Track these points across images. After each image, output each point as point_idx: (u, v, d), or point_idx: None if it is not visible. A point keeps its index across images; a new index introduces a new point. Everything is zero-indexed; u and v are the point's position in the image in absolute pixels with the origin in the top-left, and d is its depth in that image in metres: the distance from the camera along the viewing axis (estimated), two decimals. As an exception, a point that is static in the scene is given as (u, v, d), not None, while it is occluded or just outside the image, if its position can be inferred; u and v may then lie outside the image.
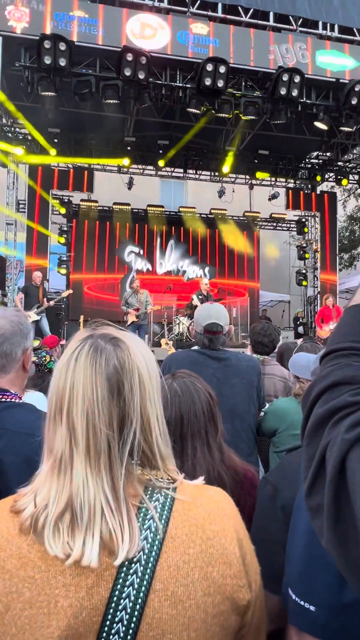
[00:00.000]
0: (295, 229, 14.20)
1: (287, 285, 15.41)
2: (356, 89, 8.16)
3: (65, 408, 0.74)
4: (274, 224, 14.29)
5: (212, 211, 13.45)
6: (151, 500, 0.74)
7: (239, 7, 8.08)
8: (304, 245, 13.53)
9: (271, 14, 8.21)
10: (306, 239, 13.69)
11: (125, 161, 11.39)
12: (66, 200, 12.51)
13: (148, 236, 13.29)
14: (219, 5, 8.01)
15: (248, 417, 2.14)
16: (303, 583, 0.83)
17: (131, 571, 0.68)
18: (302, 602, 0.82)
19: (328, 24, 8.44)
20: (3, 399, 1.26)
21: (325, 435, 0.50)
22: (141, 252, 13.34)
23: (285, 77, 7.88)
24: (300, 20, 8.32)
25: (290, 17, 8.29)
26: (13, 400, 1.28)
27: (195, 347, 2.32)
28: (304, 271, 13.43)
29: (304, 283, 13.28)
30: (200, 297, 9.18)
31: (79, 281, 12.59)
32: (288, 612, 0.86)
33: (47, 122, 9.78)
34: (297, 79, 7.91)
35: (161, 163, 11.62)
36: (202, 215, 13.43)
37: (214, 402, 1.37)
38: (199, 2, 7.93)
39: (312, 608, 0.80)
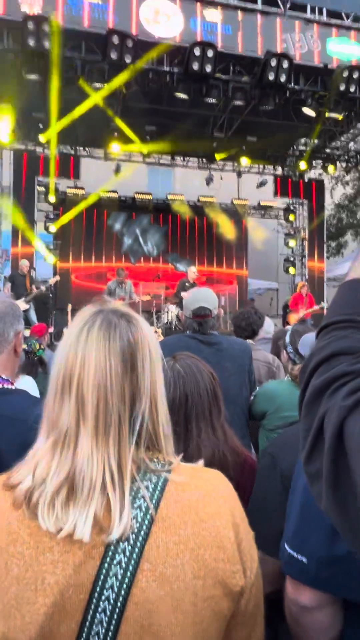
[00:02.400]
0: (283, 217, 14.22)
1: (275, 273, 15.47)
2: (344, 75, 8.14)
3: (75, 381, 0.72)
4: (262, 212, 14.28)
5: (200, 199, 13.39)
6: (144, 480, 0.73)
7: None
8: (292, 233, 13.57)
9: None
10: (294, 226, 13.73)
11: (116, 147, 11.18)
12: (53, 188, 12.33)
13: (136, 224, 13.20)
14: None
15: (240, 400, 2.16)
16: (297, 537, 0.90)
17: (119, 550, 0.67)
18: (295, 554, 0.89)
19: (316, 7, 8.37)
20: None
21: (323, 404, 0.51)
22: (129, 240, 13.26)
23: (273, 63, 7.82)
24: (289, 3, 8.23)
25: (279, 1, 8.20)
26: (6, 386, 1.27)
27: (186, 333, 2.33)
28: (291, 259, 13.49)
29: (292, 271, 13.34)
30: (187, 284, 9.19)
31: (67, 270, 12.48)
32: (283, 563, 0.93)
33: (32, 107, 9.59)
34: (285, 64, 7.86)
35: (146, 149, 11.46)
36: (190, 203, 13.36)
37: (217, 383, 1.38)
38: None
39: (304, 560, 0.88)
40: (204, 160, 12.55)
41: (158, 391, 0.77)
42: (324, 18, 8.38)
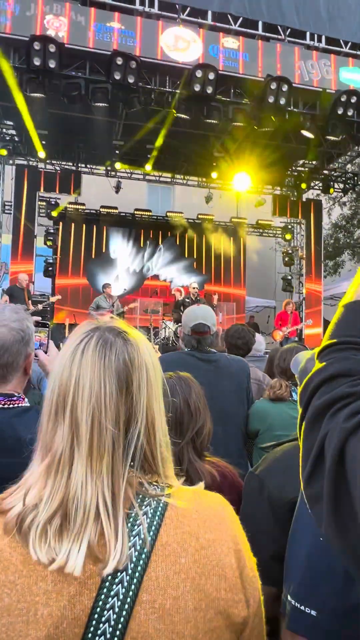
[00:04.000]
0: (281, 236, 14.36)
1: (272, 291, 15.55)
2: (342, 99, 8.32)
3: (69, 404, 0.69)
4: (260, 231, 14.43)
5: (199, 216, 13.53)
6: (142, 506, 0.69)
7: (229, 16, 8.19)
8: (290, 251, 13.69)
9: (260, 23, 8.33)
10: (292, 245, 13.85)
11: (117, 165, 11.35)
12: (53, 203, 12.45)
13: (135, 240, 13.30)
14: (209, 13, 8.10)
15: (237, 419, 2.15)
16: (304, 588, 0.83)
17: (116, 580, 0.63)
18: (302, 607, 0.82)
19: (315, 35, 8.60)
20: (12, 405, 1.25)
21: (324, 425, 0.51)
22: (128, 256, 13.33)
23: (273, 86, 7.99)
24: (289, 30, 8.46)
25: (279, 27, 8.42)
26: (20, 405, 1.27)
27: (186, 349, 2.33)
28: (289, 278, 13.58)
29: (290, 289, 13.43)
30: (187, 300, 9.22)
31: (65, 285, 12.51)
32: (286, 618, 0.85)
33: (35, 124, 9.74)
34: (284, 87, 8.04)
35: (149, 167, 11.64)
36: (190, 220, 13.50)
37: (190, 413, 1.33)
38: (189, 9, 8.00)
39: (313, 612, 0.80)
40: (204, 178, 12.72)
41: (156, 412, 0.74)
42: (323, 44, 8.60)
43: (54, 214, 12.14)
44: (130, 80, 7.53)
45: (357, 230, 17.91)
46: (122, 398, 0.70)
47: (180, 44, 7.85)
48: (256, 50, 8.26)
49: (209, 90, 7.78)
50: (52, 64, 7.22)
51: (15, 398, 1.27)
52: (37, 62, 7.16)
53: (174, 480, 0.76)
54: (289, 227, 13.79)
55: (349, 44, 8.73)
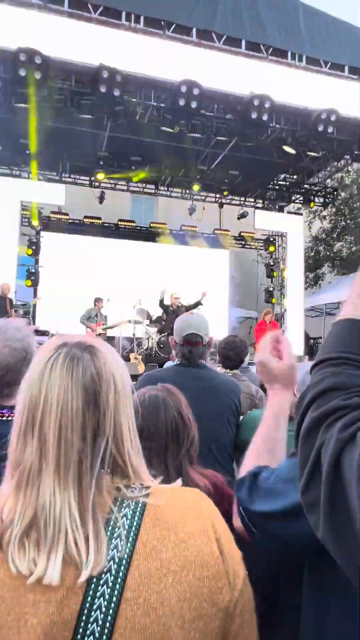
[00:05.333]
0: (263, 248, 14.57)
1: (254, 302, 15.71)
2: (322, 117, 8.57)
3: (37, 421, 0.71)
4: (243, 243, 14.61)
5: (182, 228, 13.64)
6: (121, 508, 0.72)
7: (213, 33, 8.38)
8: (272, 263, 13.89)
9: (243, 42, 8.55)
10: (273, 257, 14.07)
11: (100, 176, 11.43)
12: (36, 212, 12.39)
13: (119, 250, 13.30)
14: (194, 30, 8.28)
15: (224, 440, 2.10)
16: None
17: (101, 582, 0.66)
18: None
19: (297, 54, 8.85)
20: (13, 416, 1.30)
21: (320, 436, 0.55)
22: (112, 266, 13.32)
23: (256, 102, 8.19)
24: (271, 49, 8.69)
25: (262, 46, 8.65)
26: None
27: (173, 363, 2.30)
28: (271, 289, 13.76)
29: (273, 300, 13.59)
30: (171, 309, 9.26)
31: (47, 294, 12.40)
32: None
33: (20, 134, 9.73)
34: (267, 104, 8.24)
35: (137, 178, 11.74)
36: (173, 232, 13.59)
37: (185, 423, 1.34)
38: (174, 25, 8.16)
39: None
40: (187, 190, 12.86)
41: (123, 422, 0.76)
42: (303, 64, 8.86)
43: (35, 222, 12.09)
44: (116, 93, 7.62)
45: (337, 243, 18.30)
46: (90, 412, 0.72)
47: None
48: (240, 68, 8.46)
49: (193, 105, 7.92)
50: (37, 75, 7.26)
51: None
52: (22, 73, 7.19)
53: (151, 482, 0.78)
54: (271, 239, 14.01)
55: (329, 63, 9.01)
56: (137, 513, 0.72)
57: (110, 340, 10.50)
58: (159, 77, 8.02)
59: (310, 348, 12.92)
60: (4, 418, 1.30)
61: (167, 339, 9.43)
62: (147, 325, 10.48)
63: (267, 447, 1.06)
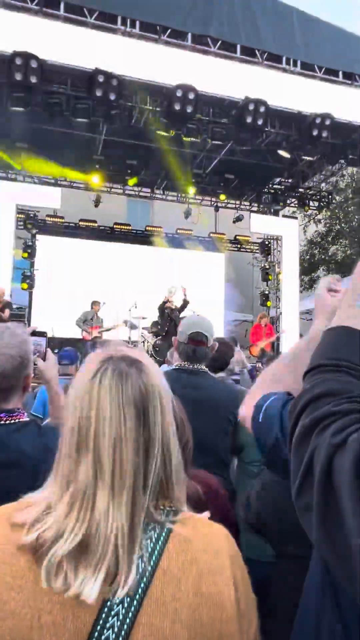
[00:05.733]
0: (258, 251, 14.62)
1: (250, 305, 15.75)
2: (317, 121, 8.63)
3: (91, 438, 0.71)
4: (238, 246, 14.66)
5: (178, 231, 13.66)
6: (147, 531, 0.71)
7: (208, 38, 8.43)
8: (267, 267, 13.94)
9: (238, 47, 8.60)
10: (269, 261, 14.12)
11: (95, 179, 11.44)
12: (32, 215, 12.39)
13: (114, 254, 13.30)
14: (189, 35, 8.33)
15: (220, 450, 2.07)
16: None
17: (117, 601, 0.66)
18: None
19: (291, 60, 8.92)
20: (13, 420, 1.32)
21: (312, 441, 0.56)
22: (108, 269, 13.33)
23: (251, 107, 8.24)
24: (266, 54, 8.75)
25: (257, 51, 8.71)
26: (20, 419, 1.34)
27: (172, 366, 2.26)
28: (266, 292, 13.81)
29: (268, 304, 13.64)
30: (166, 312, 9.26)
31: (43, 297, 12.39)
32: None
33: (15, 137, 9.74)
34: (262, 108, 8.29)
35: (131, 182, 11.76)
36: (169, 235, 13.61)
37: (179, 425, 1.36)
38: (169, 30, 8.21)
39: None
40: (183, 194, 12.90)
41: (170, 439, 0.76)
42: (298, 69, 8.93)
43: (28, 226, 12.08)
44: (112, 97, 7.64)
45: (332, 247, 18.39)
46: (141, 428, 0.72)
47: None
48: (236, 73, 8.52)
49: (189, 109, 7.96)
50: (33, 79, 7.27)
51: (16, 413, 1.34)
52: (18, 77, 7.21)
53: (182, 504, 0.77)
54: (266, 242, 14.07)
55: (323, 69, 9.09)
56: (162, 539, 0.71)
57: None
58: (154, 81, 8.05)
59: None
60: (3, 422, 1.31)
61: (162, 342, 9.43)
62: (142, 328, 10.48)
63: (290, 359, 1.12)
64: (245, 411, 1.06)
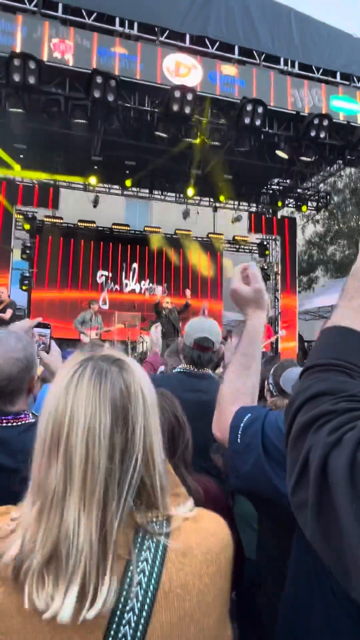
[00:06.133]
0: (257, 252, 14.64)
1: (248, 305, 15.78)
2: (315, 122, 8.65)
3: (63, 440, 0.66)
4: (237, 246, 14.69)
5: (176, 232, 13.68)
6: (142, 550, 0.67)
7: (206, 39, 8.44)
8: (266, 267, 13.96)
9: (236, 48, 8.62)
10: (267, 261, 14.14)
11: (93, 180, 11.47)
12: (30, 216, 12.39)
13: (113, 255, 13.32)
14: (187, 36, 8.33)
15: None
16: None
17: (120, 635, 0.62)
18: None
19: (289, 60, 8.94)
20: (19, 422, 1.35)
21: (308, 439, 0.57)
22: (107, 271, 13.35)
23: (249, 107, 8.25)
24: (264, 55, 8.77)
25: (254, 52, 8.72)
26: (26, 421, 1.36)
27: (177, 368, 2.24)
28: (265, 292, 13.82)
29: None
30: (164, 312, 9.26)
31: (42, 298, 12.40)
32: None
33: (13, 138, 9.74)
34: (260, 109, 8.31)
35: (128, 183, 11.78)
36: (167, 236, 13.63)
37: (180, 425, 1.37)
38: (168, 31, 8.22)
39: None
40: (181, 195, 12.92)
41: (154, 442, 0.72)
42: (296, 70, 8.94)
43: (26, 227, 12.09)
44: (110, 98, 7.65)
45: (330, 247, 18.42)
46: (118, 429, 0.67)
47: (182, 70, 8.14)
48: (251, 77, 8.56)
49: (187, 110, 7.97)
50: (31, 80, 7.28)
51: (22, 415, 1.36)
52: (16, 78, 7.21)
53: (172, 508, 0.74)
54: (264, 243, 14.09)
55: (321, 69, 9.11)
56: (159, 557, 0.67)
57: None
58: (152, 82, 8.07)
59: (304, 351, 12.99)
60: (9, 424, 1.33)
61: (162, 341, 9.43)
62: (141, 329, 10.49)
63: (242, 362, 1.13)
64: (219, 432, 1.06)
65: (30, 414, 1.39)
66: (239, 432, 0.95)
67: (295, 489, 0.57)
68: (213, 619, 0.68)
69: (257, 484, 0.94)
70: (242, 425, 0.96)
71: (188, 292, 9.76)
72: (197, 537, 0.72)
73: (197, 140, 8.99)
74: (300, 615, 0.81)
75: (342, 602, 0.70)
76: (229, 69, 8.49)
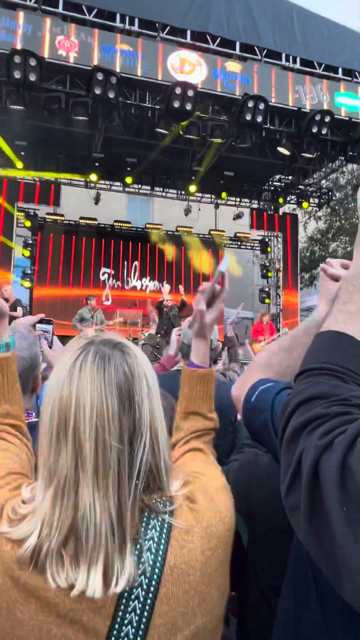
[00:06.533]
0: (258, 248, 14.63)
1: (250, 302, 15.77)
2: (316, 118, 8.62)
3: (71, 425, 0.66)
4: (238, 243, 14.67)
5: (178, 229, 13.67)
6: (148, 529, 0.69)
7: (207, 35, 8.41)
8: (267, 264, 13.95)
9: (237, 44, 8.58)
10: (269, 258, 14.12)
11: (93, 177, 11.47)
12: (32, 214, 12.40)
13: (114, 252, 13.32)
14: (188, 32, 8.30)
15: (219, 450, 2.10)
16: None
17: (129, 609, 0.65)
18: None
19: (291, 56, 8.90)
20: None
21: (301, 442, 0.58)
22: (109, 268, 13.36)
23: (250, 104, 8.23)
24: (265, 51, 8.73)
25: (256, 48, 8.69)
26: (29, 420, 1.37)
27: (177, 367, 2.25)
28: (267, 289, 13.82)
29: (267, 301, 13.65)
30: (165, 310, 9.27)
31: (44, 295, 12.42)
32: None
33: (14, 135, 9.73)
34: (261, 106, 8.28)
35: (129, 180, 11.77)
36: (169, 233, 13.62)
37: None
38: (168, 27, 8.18)
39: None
40: (183, 191, 12.90)
41: (158, 422, 0.72)
42: (297, 66, 8.90)
43: (27, 224, 12.09)
44: (111, 95, 7.63)
45: (332, 244, 18.37)
46: (125, 412, 0.68)
47: (187, 67, 8.13)
48: (252, 73, 8.53)
49: (188, 106, 7.95)
50: (32, 77, 7.26)
51: (27, 414, 1.36)
52: (17, 75, 7.20)
53: (173, 488, 0.75)
54: (266, 240, 14.07)
55: (322, 65, 9.06)
56: (164, 536, 0.69)
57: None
58: (153, 79, 8.04)
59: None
60: None
61: (161, 339, 9.44)
62: (142, 326, 10.51)
63: (289, 344, 1.14)
64: (238, 392, 1.08)
65: (34, 413, 1.40)
66: (256, 392, 0.98)
67: (288, 492, 0.58)
68: (214, 587, 0.71)
69: (264, 442, 0.98)
70: (261, 387, 0.99)
71: (182, 288, 9.74)
72: (197, 513, 0.74)
73: (198, 137, 8.96)
74: (297, 611, 0.82)
75: (337, 601, 0.71)
76: (233, 66, 8.46)
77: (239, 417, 2.58)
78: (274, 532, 1.15)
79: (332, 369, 0.64)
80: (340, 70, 9.21)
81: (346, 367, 0.64)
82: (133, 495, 0.68)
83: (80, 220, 12.86)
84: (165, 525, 0.70)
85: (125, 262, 13.41)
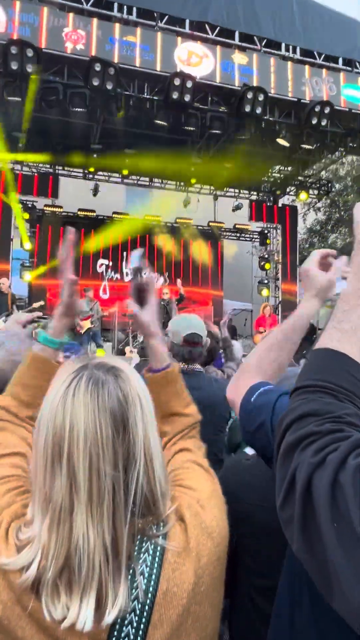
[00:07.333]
0: (258, 240, 14.60)
1: (249, 294, 15.77)
2: (316, 110, 8.56)
3: (65, 452, 0.66)
4: (238, 235, 14.64)
5: (177, 220, 13.62)
6: (141, 552, 0.69)
7: (206, 25, 8.31)
8: (266, 256, 13.93)
9: (237, 33, 8.49)
10: (268, 250, 14.10)
11: (93, 168, 11.41)
12: (30, 206, 12.34)
13: (113, 243, 13.29)
14: (187, 22, 8.21)
15: (215, 449, 2.08)
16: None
17: (122, 635, 0.65)
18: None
19: (290, 46, 8.80)
20: None
21: (295, 458, 0.60)
22: (107, 260, 13.34)
23: (249, 95, 8.16)
24: (265, 40, 8.64)
25: (255, 37, 8.59)
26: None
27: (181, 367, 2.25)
28: (266, 281, 13.82)
29: (266, 293, 13.66)
30: (162, 303, 9.28)
31: (43, 287, 12.41)
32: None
33: (12, 126, 9.65)
34: (261, 97, 8.21)
35: (125, 171, 11.71)
36: (168, 224, 13.58)
37: None
38: (167, 17, 8.09)
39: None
40: (181, 182, 12.83)
41: (152, 448, 0.72)
42: (297, 56, 8.81)
43: (26, 216, 12.04)
44: (109, 86, 7.57)
45: (331, 235, 18.33)
46: (119, 438, 0.68)
47: (193, 59, 8.07)
48: (252, 64, 8.46)
49: (187, 97, 7.89)
50: (29, 69, 7.19)
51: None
52: (14, 66, 7.13)
53: (168, 511, 0.75)
54: (265, 231, 14.03)
55: (323, 55, 8.97)
56: (157, 559, 0.69)
57: (106, 333, 10.57)
58: (151, 69, 7.97)
59: (304, 339, 13.00)
60: None
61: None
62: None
63: (279, 340, 1.13)
64: (232, 395, 1.07)
65: None
66: (256, 394, 0.98)
67: (283, 505, 0.61)
68: (208, 605, 0.72)
69: (258, 443, 0.98)
70: (261, 389, 0.99)
71: (179, 281, 9.73)
72: (186, 533, 0.73)
73: (197, 128, 8.90)
74: (290, 613, 0.86)
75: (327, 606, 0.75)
76: (242, 59, 8.37)
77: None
78: (261, 533, 1.18)
79: (326, 386, 0.66)
80: (340, 60, 9.12)
81: (339, 384, 0.66)
82: (130, 522, 0.67)
83: (79, 212, 12.81)
84: (159, 549, 0.70)
85: (124, 254, 13.39)
